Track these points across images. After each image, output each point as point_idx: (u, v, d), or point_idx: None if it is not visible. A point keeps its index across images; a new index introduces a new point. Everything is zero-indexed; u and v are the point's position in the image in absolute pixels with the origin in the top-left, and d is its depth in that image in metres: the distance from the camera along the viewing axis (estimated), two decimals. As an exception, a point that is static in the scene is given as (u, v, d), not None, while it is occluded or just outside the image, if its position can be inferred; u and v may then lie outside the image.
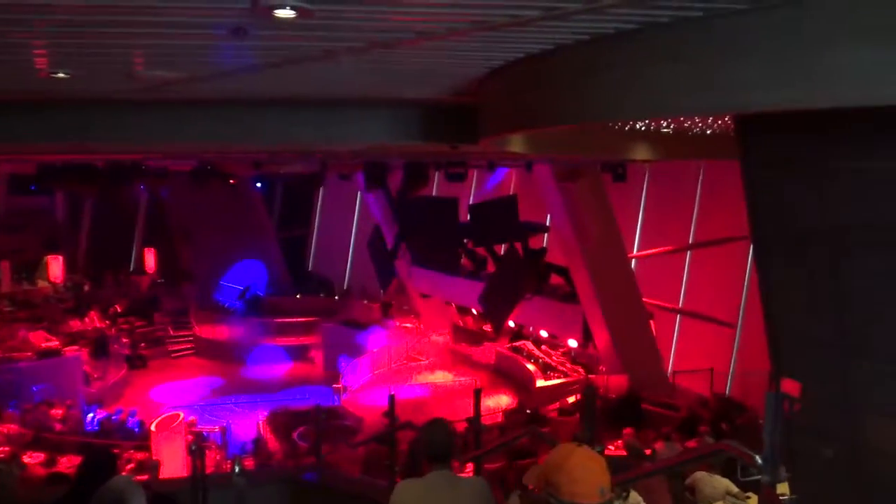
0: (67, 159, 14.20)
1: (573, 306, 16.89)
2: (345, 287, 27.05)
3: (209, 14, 3.76)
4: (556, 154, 10.08)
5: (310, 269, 28.94)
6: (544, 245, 19.38)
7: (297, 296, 25.74)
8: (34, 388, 16.05)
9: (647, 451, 9.59)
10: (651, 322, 17.03)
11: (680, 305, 18.18)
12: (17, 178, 21.46)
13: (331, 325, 21.99)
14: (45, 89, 6.31)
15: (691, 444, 10.52)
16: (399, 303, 23.67)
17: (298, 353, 22.14)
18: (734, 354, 16.73)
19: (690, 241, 17.92)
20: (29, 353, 17.83)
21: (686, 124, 7.79)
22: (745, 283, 16.23)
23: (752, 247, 5.70)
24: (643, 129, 8.33)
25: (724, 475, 6.73)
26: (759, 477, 3.11)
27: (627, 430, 11.01)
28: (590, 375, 17.04)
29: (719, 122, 7.60)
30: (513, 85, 5.13)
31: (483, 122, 6.41)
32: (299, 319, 22.79)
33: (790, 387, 3.20)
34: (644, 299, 16.79)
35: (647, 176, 18.86)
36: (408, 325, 22.38)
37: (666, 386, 16.04)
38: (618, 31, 3.96)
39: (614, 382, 15.79)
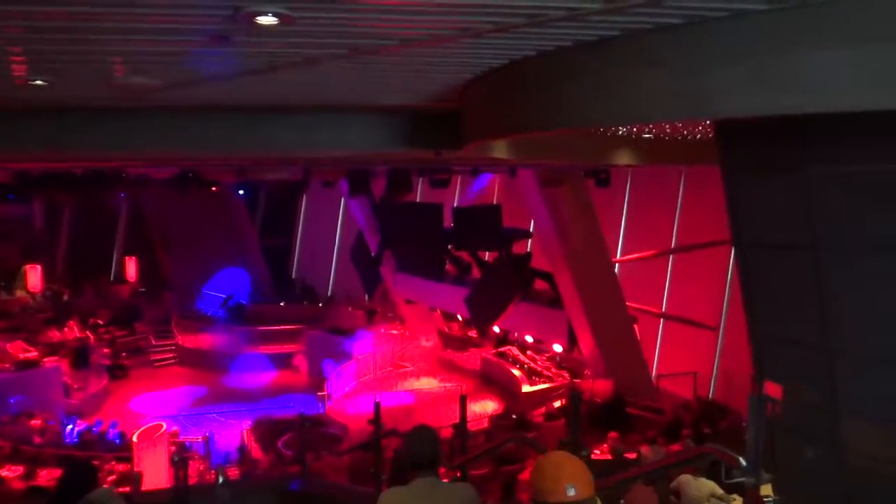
0: (46, 167, 14.03)
1: (558, 311, 16.93)
2: (329, 294, 26.92)
3: (191, 21, 3.74)
4: (539, 160, 10.13)
5: (293, 276, 28.76)
6: (529, 250, 19.41)
7: (281, 303, 25.57)
8: (11, 400, 15.79)
9: (633, 455, 9.64)
10: (635, 326, 17.12)
11: (663, 309, 18.30)
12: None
13: (315, 332, 21.87)
14: (22, 97, 6.23)
15: (676, 447, 10.57)
16: (384, 309, 23.60)
17: (282, 362, 21.98)
18: (717, 357, 16.86)
19: (673, 246, 18.05)
20: (7, 365, 17.54)
21: (667, 130, 7.86)
22: (728, 287, 16.39)
23: (733, 251, 5.76)
24: (625, 134, 8.40)
25: (710, 478, 6.78)
26: (744, 479, 3.13)
27: (612, 434, 11.06)
28: (575, 380, 17.09)
29: (700, 127, 7.68)
30: (495, 91, 5.15)
31: (466, 128, 6.42)
32: (283, 327, 22.64)
33: (772, 389, 3.23)
34: (628, 303, 16.88)
35: (629, 181, 19.00)
36: (393, 331, 22.32)
37: (651, 390, 16.13)
38: (600, 38, 4.00)
39: (599, 387, 15.85)
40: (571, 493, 2.45)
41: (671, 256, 18.14)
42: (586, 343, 16.47)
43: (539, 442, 5.26)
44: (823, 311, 4.67)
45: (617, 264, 18.31)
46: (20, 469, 12.65)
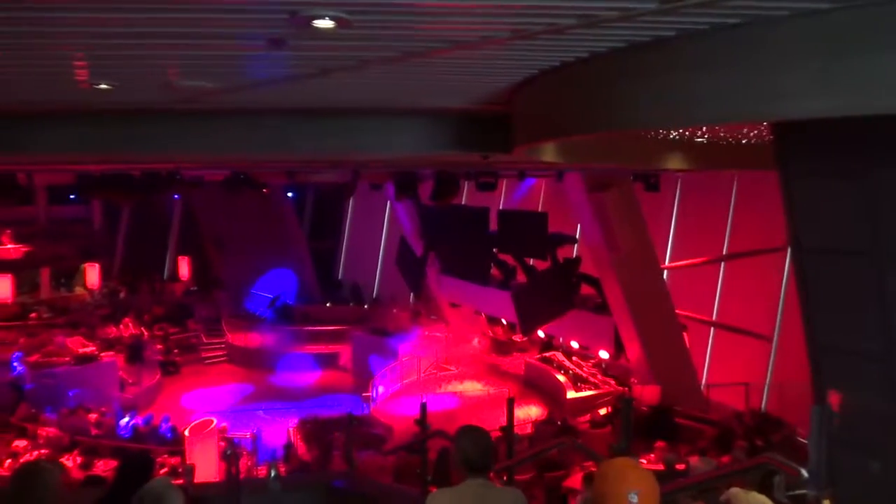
0: (105, 169, 14.53)
1: (604, 317, 16.71)
2: (374, 295, 27.17)
3: (248, 25, 3.82)
4: (588, 163, 10.02)
5: (339, 277, 29.13)
6: (576, 255, 19.17)
7: (327, 304, 25.93)
8: (70, 393, 16.39)
9: (682, 466, 9.42)
10: (685, 334, 16.77)
11: (714, 318, 17.86)
12: (56, 187, 22.05)
13: (360, 333, 22.09)
14: (84, 100, 6.47)
15: (726, 459, 10.30)
16: (428, 311, 23.69)
17: (328, 362, 22.27)
18: (770, 368, 16.37)
19: (724, 252, 17.62)
20: (67, 359, 18.23)
21: (721, 133, 7.68)
22: (782, 296, 15.90)
23: (790, 258, 5.60)
24: (677, 138, 8.24)
25: (761, 493, 6.56)
26: (802, 492, 3.03)
27: (660, 444, 10.84)
28: (621, 387, 16.83)
29: (756, 131, 7.48)
30: (546, 93, 5.12)
31: (516, 131, 6.40)
32: (329, 328, 22.95)
33: (834, 400, 3.12)
34: (677, 311, 16.54)
35: (679, 185, 18.64)
36: (437, 333, 22.39)
37: (700, 399, 15.76)
38: (654, 39, 3.93)
39: (646, 395, 15.57)
40: (634, 500, 2.41)
41: (723, 263, 17.71)
42: (633, 350, 16.21)
43: (590, 448, 5.19)
44: (886, 319, 4.49)
45: (666, 271, 17.96)
46: (78, 459, 13.13)
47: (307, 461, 13.72)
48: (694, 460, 9.49)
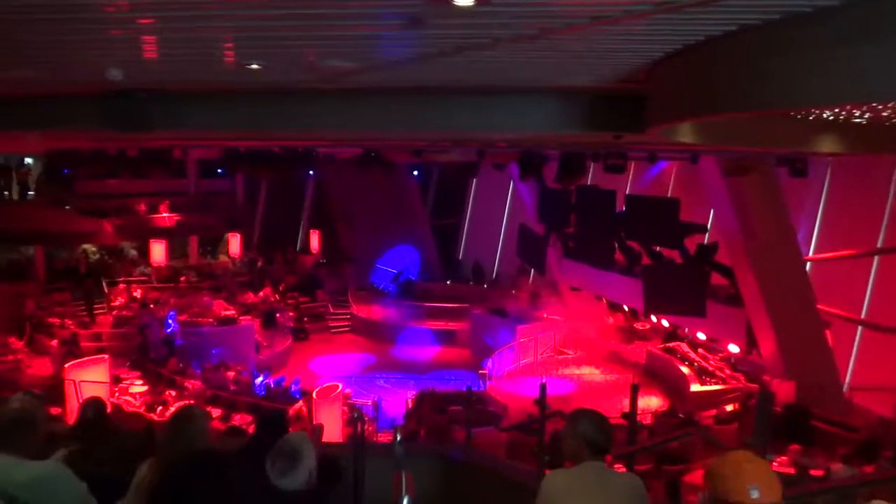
0: (249, 145, 15.54)
1: (736, 309, 15.78)
2: (494, 275, 27.30)
3: (391, 4, 3.92)
4: (729, 146, 9.43)
5: (460, 256, 29.51)
6: (707, 240, 18.13)
7: (448, 282, 26.37)
8: (213, 351, 17.86)
9: (818, 473, 8.81)
10: (827, 332, 15.51)
11: (863, 316, 16.36)
12: (205, 161, 23.87)
13: (479, 312, 22.32)
14: (233, 80, 6.92)
15: (869, 469, 9.49)
16: (548, 294, 23.49)
17: (446, 338, 22.73)
18: (928, 374, 14.80)
19: (880, 245, 16.03)
20: (210, 320, 19.87)
21: (885, 113, 6.97)
22: (946, 296, 14.29)
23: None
24: (831, 118, 7.56)
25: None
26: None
27: (794, 447, 10.17)
28: (751, 384, 15.91)
29: (927, 110, 6.71)
30: (689, 70, 4.87)
31: (651, 110, 6.15)
32: (448, 305, 23.36)
33: None
34: (819, 306, 15.33)
35: (829, 170, 17.13)
36: (556, 317, 22.18)
37: (841, 403, 14.58)
38: (815, 9, 3.63)
39: (781, 393, 14.60)
40: (755, 494, 2.27)
41: (877, 257, 16.15)
42: (767, 346, 15.22)
43: (718, 439, 4.95)
44: None
45: (809, 262, 16.66)
46: (218, 411, 14.33)
47: (425, 431, 14.13)
48: (836, 467, 8.82)
